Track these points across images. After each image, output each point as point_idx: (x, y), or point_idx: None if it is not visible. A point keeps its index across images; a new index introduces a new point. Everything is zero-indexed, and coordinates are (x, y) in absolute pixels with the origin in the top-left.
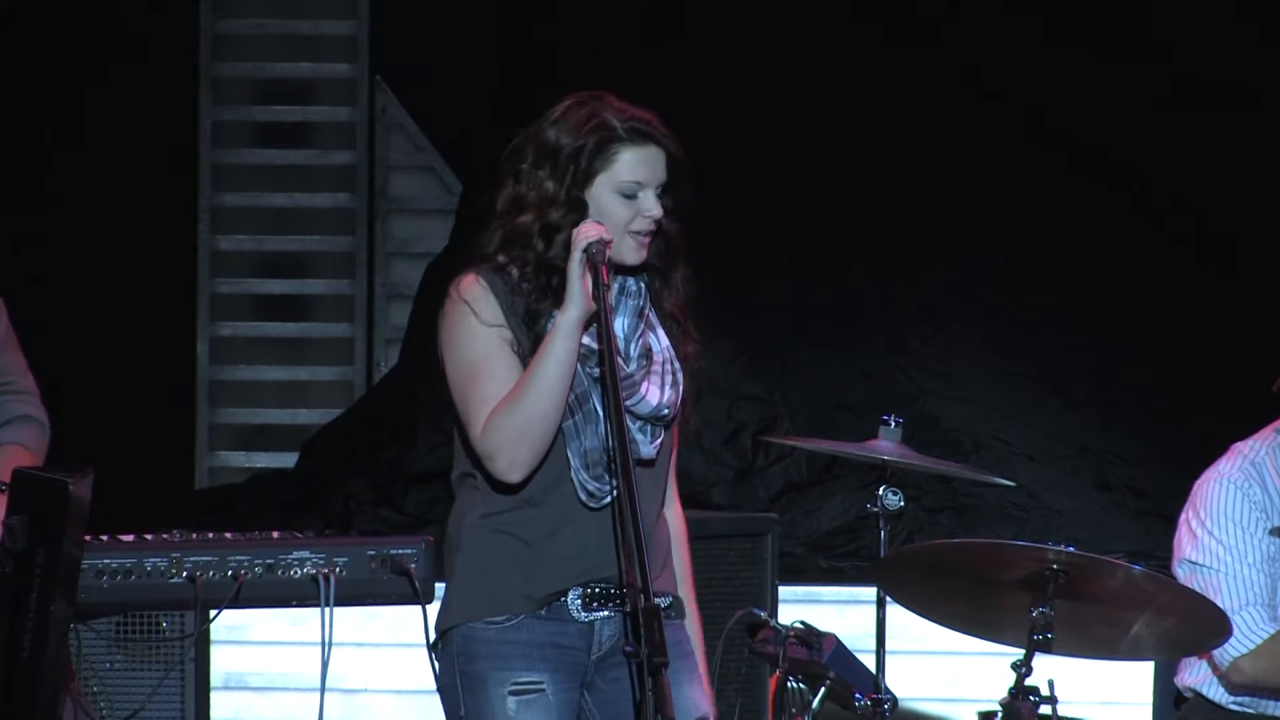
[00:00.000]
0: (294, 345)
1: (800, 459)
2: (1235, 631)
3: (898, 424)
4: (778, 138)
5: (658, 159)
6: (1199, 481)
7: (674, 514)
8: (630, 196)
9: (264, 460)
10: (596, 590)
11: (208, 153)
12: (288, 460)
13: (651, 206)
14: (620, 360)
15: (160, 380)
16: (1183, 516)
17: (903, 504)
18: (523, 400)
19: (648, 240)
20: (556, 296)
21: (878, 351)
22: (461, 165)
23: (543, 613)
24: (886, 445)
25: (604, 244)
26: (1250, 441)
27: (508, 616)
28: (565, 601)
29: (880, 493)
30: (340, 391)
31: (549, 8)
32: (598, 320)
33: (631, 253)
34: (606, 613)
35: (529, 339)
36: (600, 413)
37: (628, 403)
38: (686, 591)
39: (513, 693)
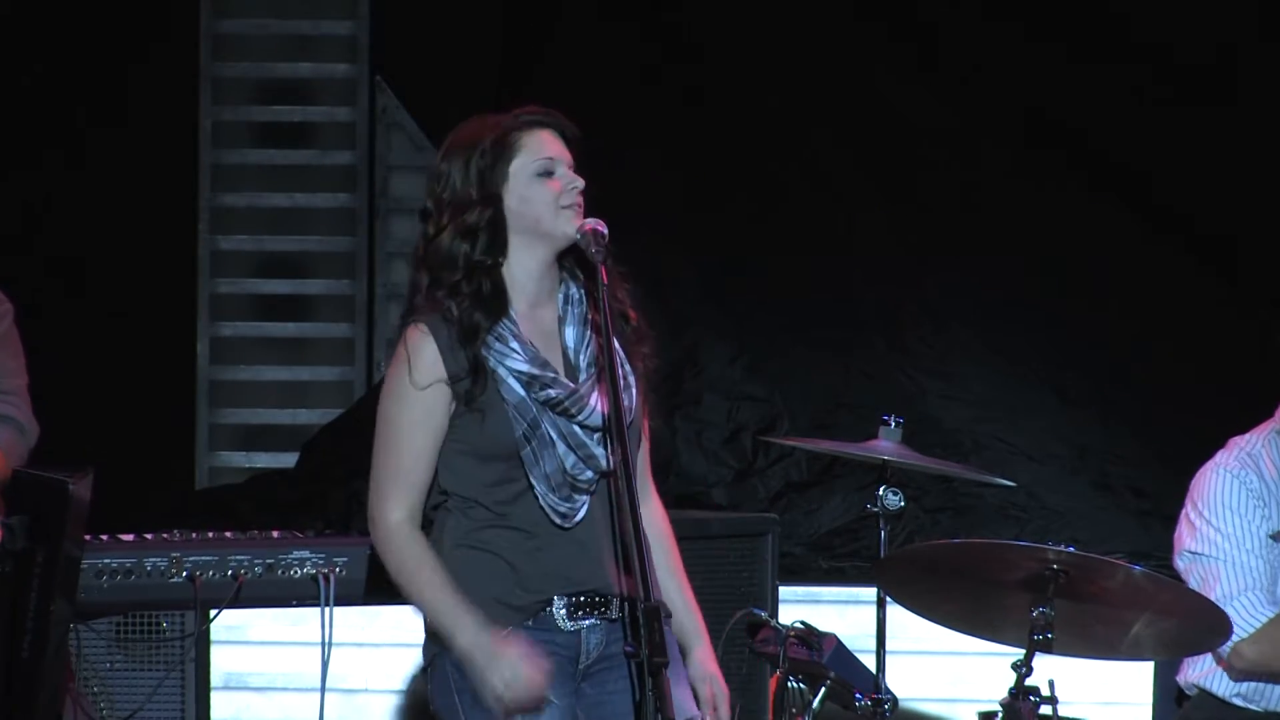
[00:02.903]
0: (294, 345)
1: (800, 459)
2: (1234, 617)
3: (898, 424)
4: (778, 138)
5: (557, 139)
6: (1197, 474)
7: (653, 510)
8: (547, 174)
9: (264, 460)
10: (581, 599)
11: (208, 153)
12: (288, 460)
13: (573, 177)
14: (563, 377)
15: (160, 380)
16: (1183, 510)
17: (903, 504)
18: (402, 582)
19: (581, 209)
20: (487, 306)
21: (878, 351)
22: None
23: (529, 623)
24: (886, 445)
25: (602, 240)
26: (1248, 435)
27: (496, 630)
28: (550, 611)
29: (880, 493)
30: (340, 391)
31: (549, 8)
32: (597, 327)
33: (570, 223)
34: (591, 621)
35: (466, 363)
36: (553, 436)
37: (578, 417)
38: (679, 582)
39: None
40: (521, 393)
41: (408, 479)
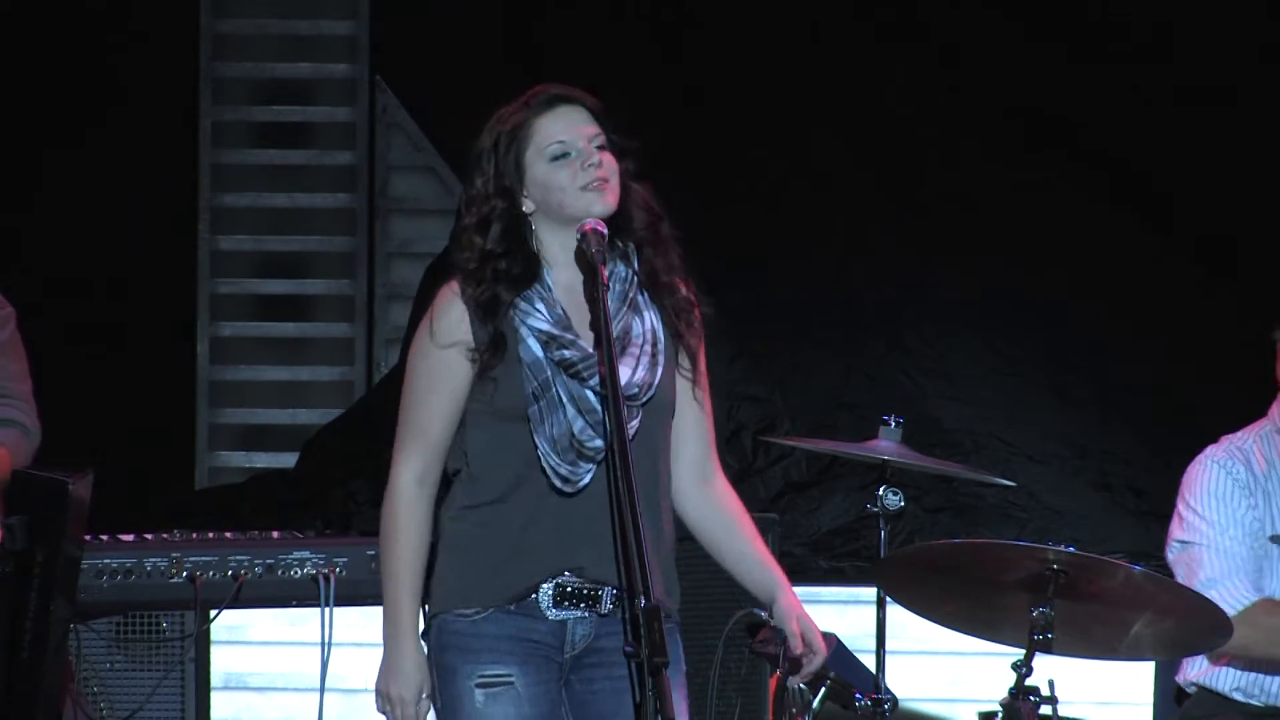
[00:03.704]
0: (294, 345)
1: (800, 459)
2: (1217, 600)
3: (898, 424)
4: (778, 137)
5: (575, 115)
6: (1188, 468)
7: (718, 489)
8: (562, 156)
9: (264, 460)
10: (569, 589)
11: (208, 153)
12: (288, 460)
13: (589, 153)
14: (583, 342)
15: (160, 380)
16: (1176, 506)
17: (903, 504)
18: (381, 541)
19: (606, 185)
20: (513, 283)
21: (878, 351)
22: (461, 165)
23: (512, 608)
24: (886, 445)
25: (602, 240)
26: (1240, 432)
27: (476, 610)
28: (536, 598)
29: (880, 493)
30: (340, 391)
31: (549, 8)
32: (595, 321)
33: (596, 203)
34: (579, 613)
35: (485, 335)
36: (563, 398)
37: (590, 381)
38: (752, 544)
39: (480, 685)
40: (538, 352)
41: (422, 437)
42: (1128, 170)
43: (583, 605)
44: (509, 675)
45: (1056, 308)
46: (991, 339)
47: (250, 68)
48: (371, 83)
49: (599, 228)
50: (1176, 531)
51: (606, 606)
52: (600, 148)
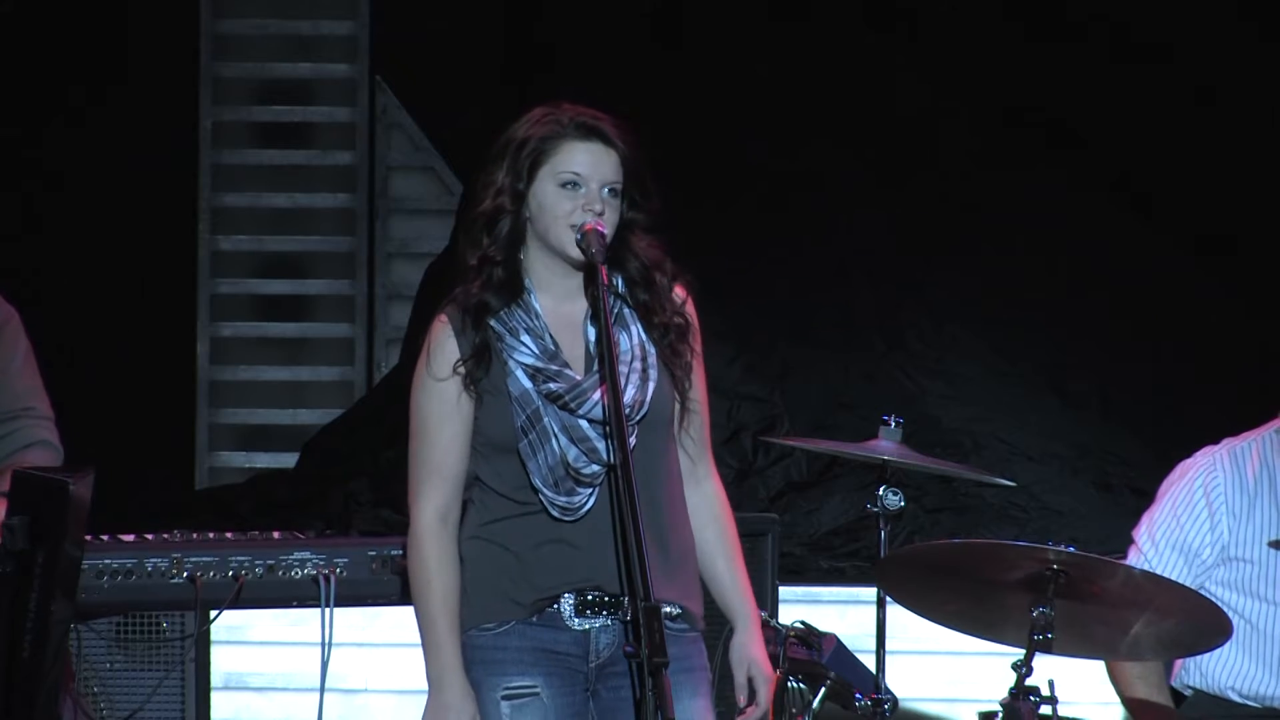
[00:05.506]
0: (294, 345)
1: (800, 459)
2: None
3: (898, 424)
4: (778, 137)
5: (604, 156)
6: (1176, 465)
7: (710, 490)
8: (569, 186)
9: (264, 460)
10: (590, 598)
11: (208, 153)
12: (288, 460)
13: (594, 200)
14: (571, 371)
15: (160, 380)
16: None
17: (903, 504)
18: (411, 583)
19: (592, 232)
20: (499, 291)
21: (878, 351)
22: (461, 165)
23: (534, 619)
24: (886, 445)
25: (602, 241)
26: (1245, 435)
27: (499, 623)
28: (558, 608)
29: (880, 493)
30: (340, 391)
31: (550, 8)
32: (597, 322)
33: (572, 245)
34: (601, 621)
35: (471, 347)
36: (554, 428)
37: (580, 410)
38: (731, 561)
39: (506, 697)
40: (526, 384)
41: (438, 474)
42: (1128, 170)
43: (605, 613)
44: (534, 686)
45: (1056, 308)
46: (991, 339)
47: (250, 68)
48: (371, 83)
49: (599, 228)
50: (1142, 520)
51: (628, 614)
52: (613, 194)
